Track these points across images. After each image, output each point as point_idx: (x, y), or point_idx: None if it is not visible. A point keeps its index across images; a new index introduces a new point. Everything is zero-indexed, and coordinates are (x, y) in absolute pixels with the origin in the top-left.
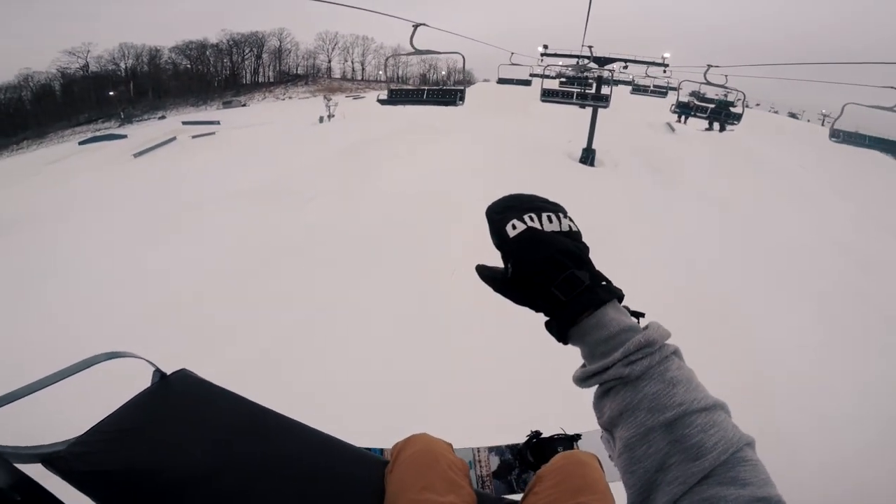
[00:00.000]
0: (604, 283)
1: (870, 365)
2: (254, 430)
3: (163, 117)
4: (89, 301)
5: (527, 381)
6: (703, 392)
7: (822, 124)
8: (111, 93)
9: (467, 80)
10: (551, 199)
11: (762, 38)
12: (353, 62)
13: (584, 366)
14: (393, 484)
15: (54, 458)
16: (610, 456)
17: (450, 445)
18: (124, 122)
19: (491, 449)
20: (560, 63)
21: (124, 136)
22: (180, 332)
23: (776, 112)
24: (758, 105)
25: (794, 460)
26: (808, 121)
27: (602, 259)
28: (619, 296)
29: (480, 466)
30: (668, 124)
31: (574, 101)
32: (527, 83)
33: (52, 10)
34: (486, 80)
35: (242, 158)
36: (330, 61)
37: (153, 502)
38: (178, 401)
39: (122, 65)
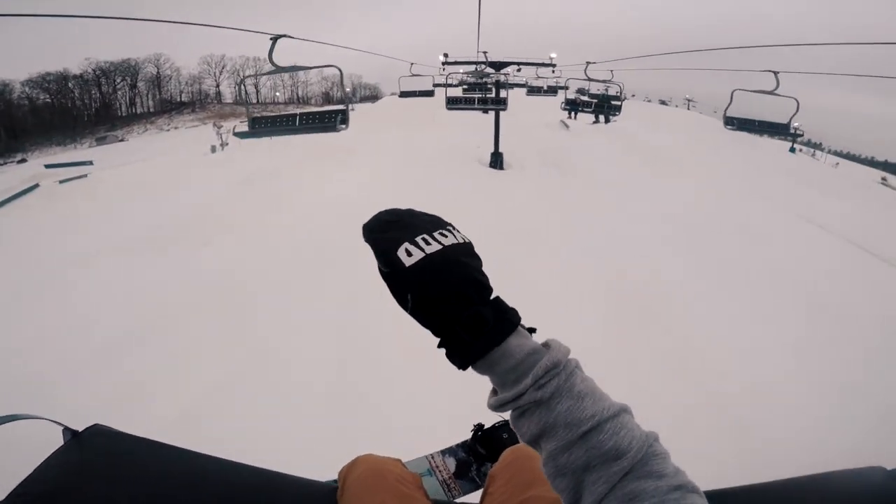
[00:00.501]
0: (505, 312)
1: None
2: (187, 480)
3: (22, 160)
4: None
5: (453, 382)
6: (608, 400)
7: (688, 108)
8: None
9: (373, 95)
10: (465, 204)
11: (640, 34)
12: (244, 84)
13: (494, 392)
14: None
15: None
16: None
17: (398, 461)
18: None
19: (444, 452)
20: (461, 70)
21: None
22: (81, 396)
23: (649, 101)
24: (633, 96)
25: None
26: (676, 106)
27: (526, 258)
28: (518, 322)
29: (440, 472)
30: (562, 122)
31: (476, 106)
32: (430, 94)
33: None
34: (393, 94)
35: (123, 203)
36: (218, 86)
37: None
38: (94, 458)
39: None
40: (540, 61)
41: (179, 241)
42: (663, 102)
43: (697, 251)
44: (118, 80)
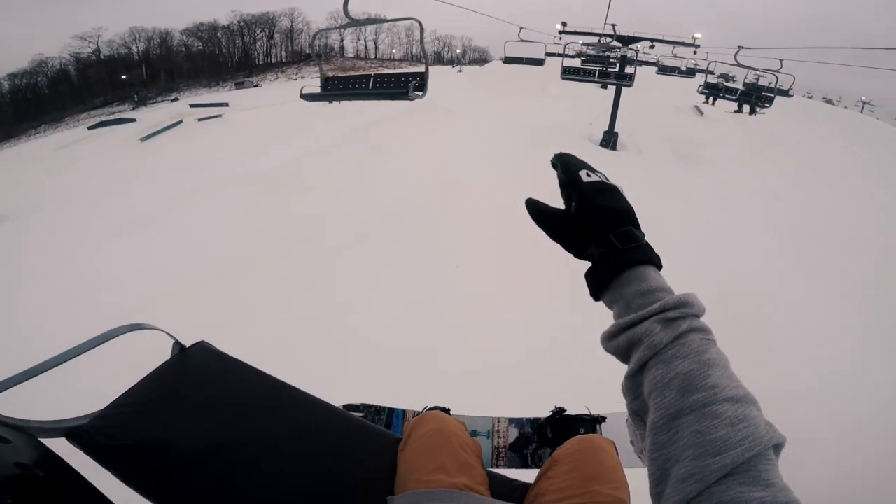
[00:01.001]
0: (650, 246)
1: None
2: (269, 404)
3: (175, 99)
4: (97, 284)
5: (554, 360)
6: (737, 381)
7: (861, 111)
8: (124, 76)
9: (482, 59)
10: None
11: (789, 21)
12: (365, 41)
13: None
14: (404, 463)
15: (77, 433)
16: (632, 442)
17: (463, 424)
18: (138, 104)
19: (511, 420)
20: (580, 42)
21: (133, 120)
22: (195, 312)
23: (811, 97)
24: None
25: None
26: (846, 107)
27: None
28: (660, 263)
29: (498, 437)
30: (696, 107)
31: (596, 79)
32: (539, 62)
33: None
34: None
35: (246, 142)
36: (342, 40)
37: (167, 475)
38: (196, 373)
39: (134, 48)
40: (680, 40)
41: (293, 180)
42: (828, 101)
43: (841, 287)
44: (258, 32)
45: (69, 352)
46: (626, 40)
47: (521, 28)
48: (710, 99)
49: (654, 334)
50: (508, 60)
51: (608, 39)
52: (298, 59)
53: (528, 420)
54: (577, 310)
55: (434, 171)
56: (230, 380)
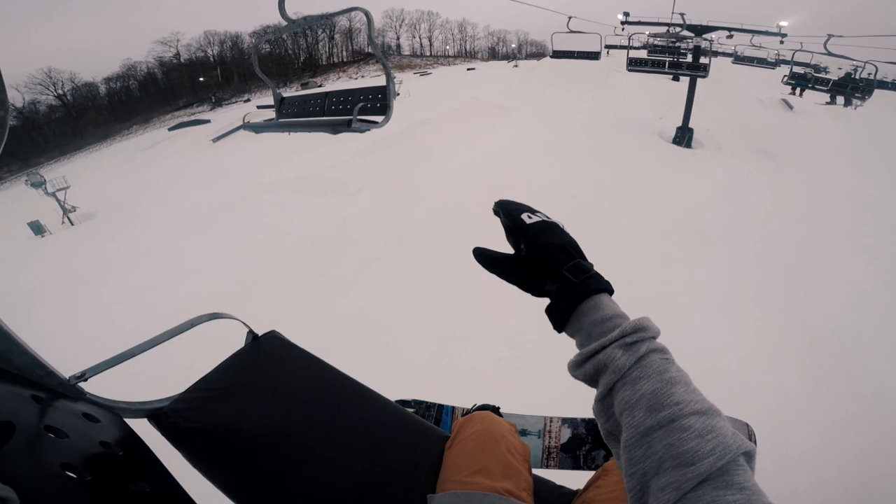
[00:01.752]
0: (598, 274)
1: None
2: (330, 394)
3: (247, 100)
4: (172, 276)
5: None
6: (700, 395)
7: None
8: (201, 79)
9: (539, 53)
10: (639, 185)
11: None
12: (420, 38)
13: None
14: (448, 462)
15: (158, 414)
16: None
17: (513, 427)
18: (215, 105)
19: (564, 420)
20: (647, 32)
21: (208, 122)
22: (256, 305)
23: None
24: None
25: None
26: None
27: (687, 270)
28: (611, 289)
29: (549, 437)
30: (784, 100)
31: (666, 70)
32: (594, 56)
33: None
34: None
35: (301, 144)
36: (398, 38)
37: (230, 460)
38: (266, 361)
39: (209, 52)
40: (762, 29)
41: (340, 183)
42: None
43: None
44: (319, 33)
45: (157, 338)
46: (700, 30)
47: (569, 18)
48: (798, 90)
49: (617, 359)
50: (557, 55)
51: (678, 29)
52: (358, 58)
53: (583, 421)
54: (640, 310)
55: (485, 171)
56: (296, 369)
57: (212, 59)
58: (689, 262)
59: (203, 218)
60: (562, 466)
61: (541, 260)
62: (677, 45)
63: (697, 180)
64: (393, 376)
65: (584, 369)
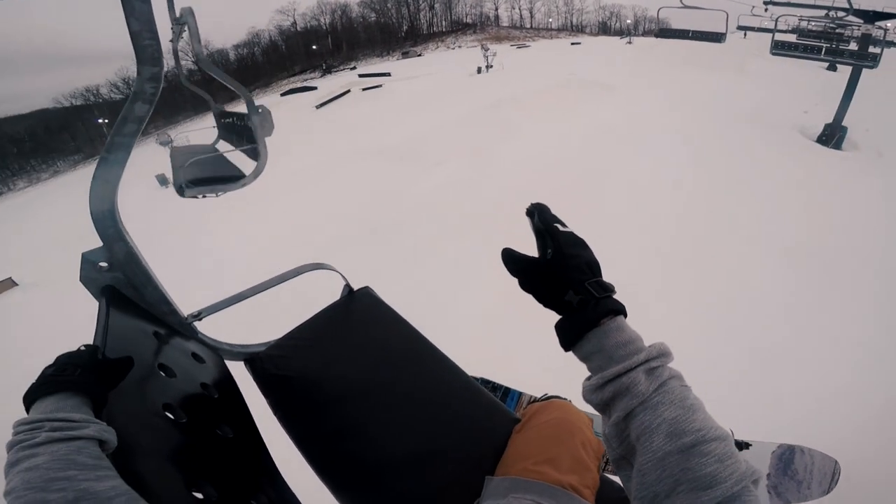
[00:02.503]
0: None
1: None
2: (410, 357)
3: (353, 68)
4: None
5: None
6: (715, 422)
7: None
8: (314, 47)
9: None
10: (766, 192)
11: None
12: (520, 10)
13: (588, 379)
14: (515, 446)
15: (254, 359)
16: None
17: (591, 421)
18: (325, 72)
19: None
20: (798, 15)
21: (315, 88)
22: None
23: None
24: None
25: None
26: None
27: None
28: (626, 312)
29: None
30: None
31: (822, 56)
32: (716, 38)
33: None
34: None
35: (395, 114)
36: (497, 9)
37: (310, 412)
38: (357, 316)
39: (322, 20)
40: None
41: (422, 155)
42: None
43: None
44: (420, 2)
45: (266, 283)
46: (874, 16)
47: None
48: None
49: (640, 384)
50: (664, 34)
51: (842, 14)
52: (457, 28)
53: None
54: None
55: (574, 157)
56: (382, 328)
57: (324, 27)
58: (819, 305)
59: (302, 181)
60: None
61: (567, 269)
62: (838, 31)
63: (849, 190)
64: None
65: (603, 393)
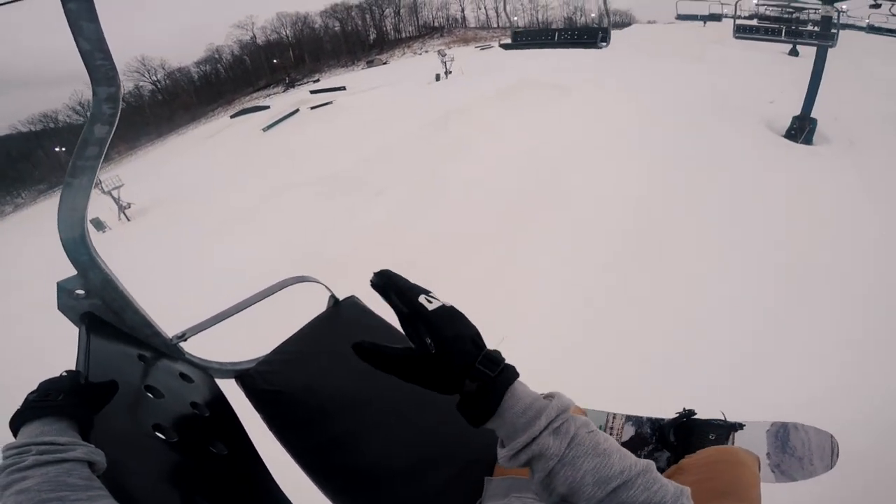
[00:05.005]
0: (503, 360)
1: None
2: None
3: (317, 80)
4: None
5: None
6: (632, 457)
7: None
8: (275, 60)
9: (623, 22)
10: (734, 199)
11: None
12: (486, 10)
13: (502, 444)
14: None
15: (244, 375)
16: (768, 454)
17: (583, 413)
18: (289, 86)
19: (629, 417)
20: (755, 1)
21: (267, 108)
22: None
23: None
24: None
25: None
26: None
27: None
28: (518, 373)
29: (611, 434)
30: None
31: (782, 37)
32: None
33: None
34: (651, 22)
35: (339, 136)
36: (463, 10)
37: (305, 425)
38: (344, 326)
39: (283, 33)
40: None
41: (363, 184)
42: None
43: None
44: (385, 8)
45: (249, 299)
46: None
47: None
48: None
49: (550, 446)
50: (683, 17)
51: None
52: (424, 32)
53: (649, 419)
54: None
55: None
56: (371, 334)
57: (286, 40)
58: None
59: (233, 219)
60: None
61: (455, 357)
62: (795, 15)
63: (824, 190)
64: None
65: (519, 460)
